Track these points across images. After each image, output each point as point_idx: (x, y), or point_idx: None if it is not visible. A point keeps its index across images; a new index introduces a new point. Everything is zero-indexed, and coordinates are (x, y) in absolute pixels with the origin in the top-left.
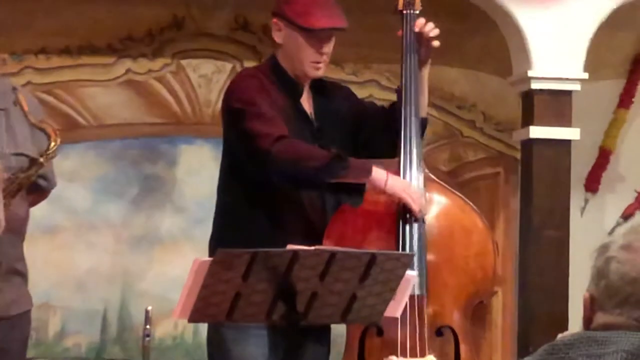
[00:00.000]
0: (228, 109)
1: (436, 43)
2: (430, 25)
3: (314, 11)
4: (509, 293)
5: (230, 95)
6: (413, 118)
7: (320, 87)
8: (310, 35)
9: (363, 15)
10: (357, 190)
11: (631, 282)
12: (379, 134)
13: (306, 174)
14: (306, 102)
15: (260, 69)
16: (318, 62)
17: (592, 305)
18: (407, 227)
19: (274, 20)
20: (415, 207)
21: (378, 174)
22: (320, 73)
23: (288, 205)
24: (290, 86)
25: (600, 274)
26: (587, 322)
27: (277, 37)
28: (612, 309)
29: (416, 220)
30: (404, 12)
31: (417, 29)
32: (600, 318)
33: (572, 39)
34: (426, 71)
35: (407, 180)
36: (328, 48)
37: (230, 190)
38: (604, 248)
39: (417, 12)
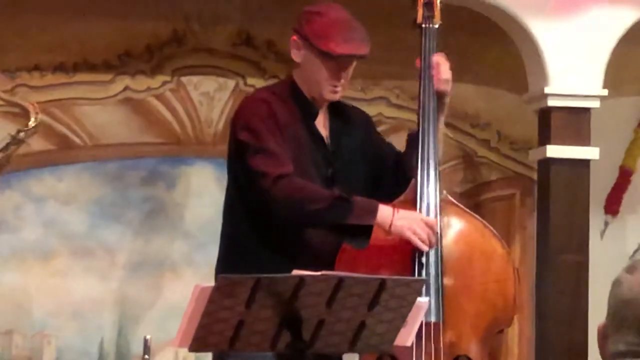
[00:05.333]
0: (234, 138)
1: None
2: (445, 66)
3: (335, 35)
4: (526, 320)
5: (238, 121)
6: (431, 136)
7: (339, 110)
8: (329, 60)
9: (372, 31)
10: (363, 231)
11: (625, 305)
12: (389, 174)
13: (307, 216)
14: (322, 125)
15: (274, 89)
16: (335, 86)
17: (603, 334)
18: (423, 256)
19: (294, 37)
20: (422, 246)
21: (383, 214)
22: (337, 96)
23: (295, 231)
24: (305, 107)
25: (608, 299)
26: (602, 351)
27: (296, 56)
28: (613, 334)
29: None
30: (423, 26)
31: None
32: (609, 347)
33: (590, 54)
34: (442, 119)
35: (417, 212)
36: (347, 73)
37: (236, 216)
38: (620, 273)
39: (437, 26)
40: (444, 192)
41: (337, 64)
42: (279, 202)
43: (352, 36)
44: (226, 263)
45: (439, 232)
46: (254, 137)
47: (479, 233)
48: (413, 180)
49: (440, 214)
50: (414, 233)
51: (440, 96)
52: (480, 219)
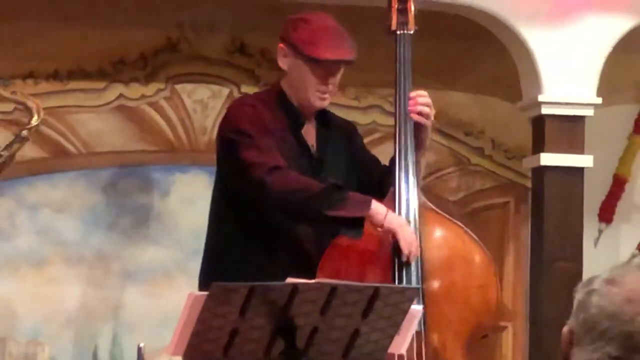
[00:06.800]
0: (222, 139)
1: (427, 122)
2: (424, 100)
3: (321, 41)
4: (520, 328)
5: (225, 125)
6: (409, 143)
7: (327, 120)
8: (316, 66)
9: (366, 39)
10: (356, 223)
11: (608, 317)
12: (374, 186)
13: (301, 205)
14: (308, 133)
15: (260, 96)
16: (323, 93)
17: (570, 340)
18: (404, 267)
19: (280, 45)
20: (405, 248)
21: (377, 207)
22: (325, 104)
23: (282, 237)
24: (292, 115)
25: (580, 307)
26: (566, 357)
27: (282, 63)
28: (587, 344)
29: (408, 263)
30: (398, 32)
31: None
32: (576, 355)
33: (584, 62)
34: (422, 158)
35: (403, 217)
36: (334, 80)
37: (223, 221)
38: (589, 281)
39: (412, 32)
40: (422, 197)
41: (325, 70)
42: (274, 191)
43: (338, 42)
44: (211, 268)
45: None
46: (244, 135)
47: (459, 239)
48: (392, 188)
49: (419, 220)
50: (403, 234)
51: (417, 128)
52: (460, 224)
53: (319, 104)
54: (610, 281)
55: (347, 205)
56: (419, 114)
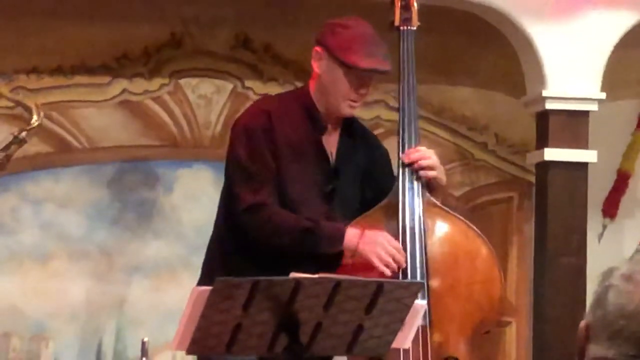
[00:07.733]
0: (229, 144)
1: (432, 173)
2: (423, 154)
3: (359, 48)
4: (523, 323)
5: (237, 126)
6: (413, 136)
7: (353, 129)
8: (351, 73)
9: None
10: (334, 256)
11: (626, 316)
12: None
13: (274, 247)
14: (330, 140)
15: (285, 98)
16: (354, 101)
17: (586, 335)
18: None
19: (316, 48)
20: (385, 270)
21: (349, 240)
22: (354, 112)
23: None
24: (314, 121)
25: (598, 302)
26: (581, 353)
27: (317, 66)
28: (603, 341)
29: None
30: (401, 28)
31: (406, 160)
32: (592, 350)
33: (588, 57)
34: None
35: (384, 233)
36: (366, 89)
37: (224, 221)
38: (608, 274)
39: (415, 28)
40: (427, 194)
41: (358, 78)
42: (248, 228)
43: (375, 52)
44: (213, 263)
45: (422, 247)
46: (244, 150)
47: (462, 234)
48: (396, 183)
49: (423, 216)
50: (378, 258)
51: (429, 184)
52: (464, 219)
53: (347, 111)
54: (628, 277)
55: (320, 245)
56: (421, 168)
